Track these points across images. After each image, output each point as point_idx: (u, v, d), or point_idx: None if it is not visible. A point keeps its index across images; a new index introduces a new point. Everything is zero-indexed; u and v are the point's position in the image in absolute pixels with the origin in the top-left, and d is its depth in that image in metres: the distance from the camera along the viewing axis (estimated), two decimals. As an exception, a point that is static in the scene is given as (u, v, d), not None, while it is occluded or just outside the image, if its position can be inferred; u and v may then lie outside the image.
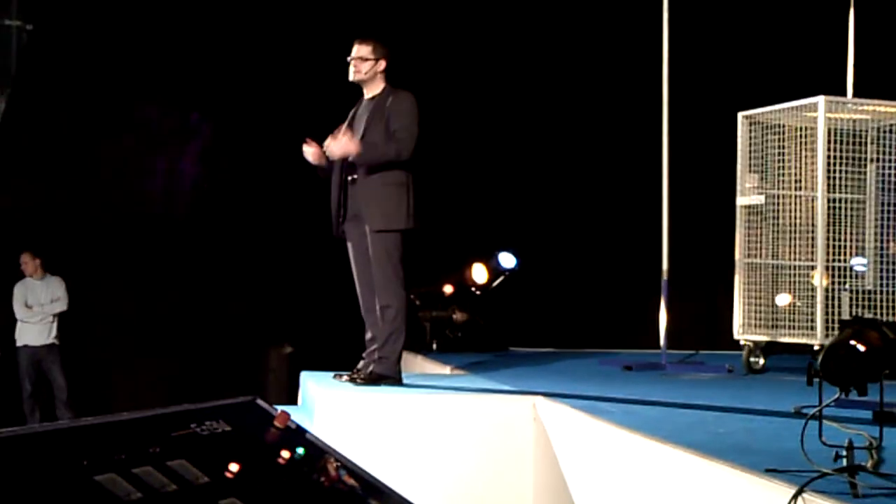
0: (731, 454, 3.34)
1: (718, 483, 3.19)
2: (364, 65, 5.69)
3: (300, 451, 2.61)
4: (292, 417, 2.89)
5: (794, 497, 2.72)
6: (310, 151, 5.74)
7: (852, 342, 2.76)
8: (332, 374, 5.84)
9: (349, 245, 5.80)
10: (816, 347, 6.36)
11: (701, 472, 3.31)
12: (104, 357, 10.47)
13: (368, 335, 5.75)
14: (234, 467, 2.33)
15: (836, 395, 2.82)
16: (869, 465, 3.01)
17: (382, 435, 4.88)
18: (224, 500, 2.23)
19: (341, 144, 5.57)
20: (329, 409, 4.98)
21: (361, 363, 5.72)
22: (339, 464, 2.66)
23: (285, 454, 2.57)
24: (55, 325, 10.30)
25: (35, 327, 10.22)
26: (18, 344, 10.24)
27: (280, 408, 2.75)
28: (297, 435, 2.70)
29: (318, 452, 2.67)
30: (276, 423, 2.68)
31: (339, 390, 5.29)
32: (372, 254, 5.61)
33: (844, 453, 2.83)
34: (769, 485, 2.91)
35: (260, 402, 2.86)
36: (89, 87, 10.56)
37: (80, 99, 10.55)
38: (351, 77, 5.75)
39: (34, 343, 10.21)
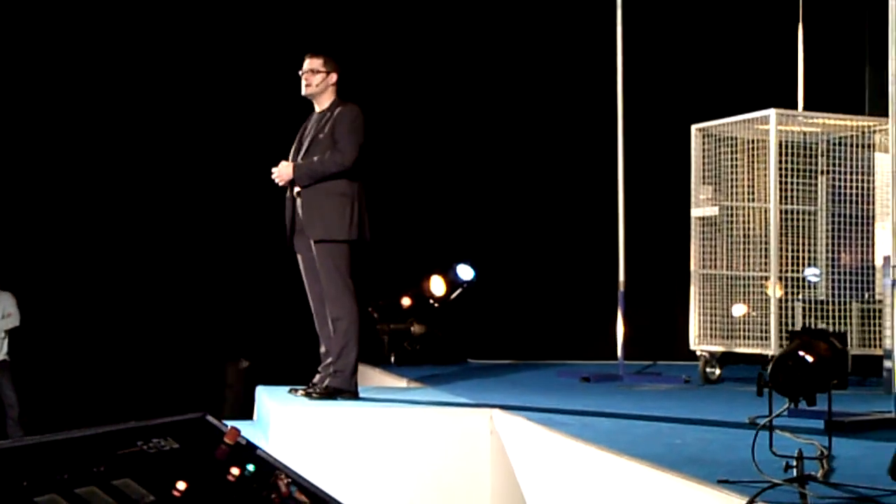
0: (685, 466, 3.35)
1: (672, 494, 3.19)
2: (315, 77, 5.73)
3: (250, 467, 2.58)
4: (246, 433, 2.86)
5: (746, 508, 2.73)
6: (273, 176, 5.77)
7: (801, 353, 2.78)
8: (287, 388, 5.80)
9: (299, 258, 5.80)
10: (770, 357, 6.41)
11: (655, 483, 3.31)
12: (57, 374, 10.32)
13: (323, 348, 5.73)
14: (181, 485, 2.30)
15: (786, 406, 2.84)
16: (819, 474, 3.04)
17: (338, 449, 4.85)
18: (170, 519, 2.21)
19: (280, 172, 5.67)
20: (284, 423, 4.95)
21: (317, 377, 5.69)
22: (289, 480, 2.64)
23: (235, 471, 2.53)
24: (6, 341, 10.15)
25: (-16, 343, 10.08)
26: (-31, 360, 10.09)
27: (233, 423, 2.72)
28: (248, 451, 2.67)
29: (269, 468, 2.65)
30: (226, 440, 2.65)
31: (294, 405, 5.25)
32: (319, 266, 5.60)
33: (795, 463, 2.85)
34: (721, 496, 2.92)
35: (210, 418, 2.82)
36: (33, 91, 10.44)
37: (27, 109, 10.43)
38: (303, 91, 5.78)
39: None
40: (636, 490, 3.42)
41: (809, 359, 2.79)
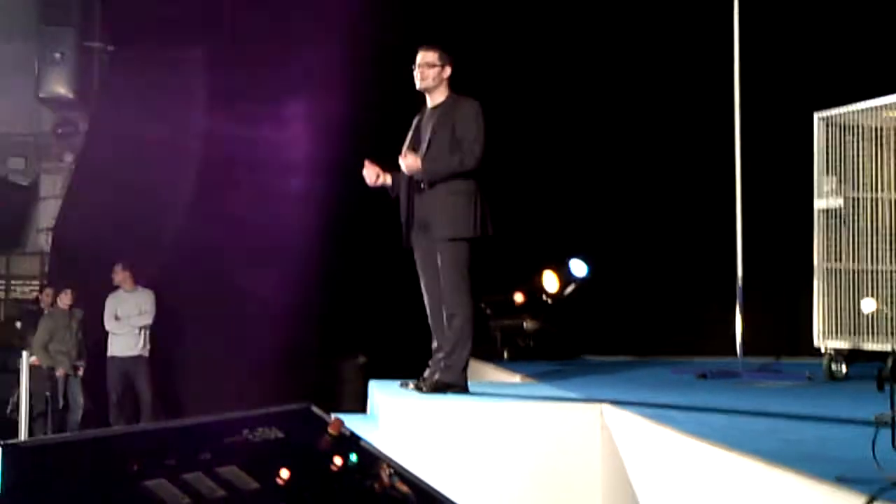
0: (801, 463, 3.23)
1: (788, 492, 3.08)
2: (430, 71, 5.68)
3: (353, 457, 2.59)
4: (358, 426, 2.87)
5: (865, 506, 2.61)
6: (368, 175, 5.76)
7: (924, 345, 2.64)
8: (398, 382, 5.83)
9: (417, 254, 5.79)
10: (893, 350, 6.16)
11: (770, 480, 3.21)
12: (191, 370, 10.65)
13: (435, 344, 5.72)
14: (284, 473, 2.33)
15: (908, 400, 2.70)
16: (946, 474, 2.88)
17: (447, 443, 4.84)
18: (273, 506, 2.23)
19: (407, 164, 5.62)
20: (394, 417, 4.97)
21: (427, 371, 5.70)
22: (392, 471, 2.63)
23: (338, 461, 2.55)
24: (143, 337, 10.53)
25: (123, 339, 10.48)
26: (108, 354, 10.51)
27: (345, 416, 2.73)
28: (351, 442, 2.68)
29: (372, 459, 2.65)
30: (330, 430, 2.67)
31: (404, 398, 5.27)
32: (440, 262, 5.59)
33: (918, 461, 2.71)
34: (838, 494, 2.80)
35: (314, 409, 2.85)
36: (169, 105, 10.75)
37: (160, 117, 10.74)
38: (417, 85, 5.74)
39: (122, 354, 10.46)
40: (749, 487, 3.31)
41: (934, 351, 2.65)
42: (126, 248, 10.52)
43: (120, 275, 10.51)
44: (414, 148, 5.74)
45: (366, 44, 10.39)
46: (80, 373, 10.50)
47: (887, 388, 2.90)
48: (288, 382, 9.91)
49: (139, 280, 10.56)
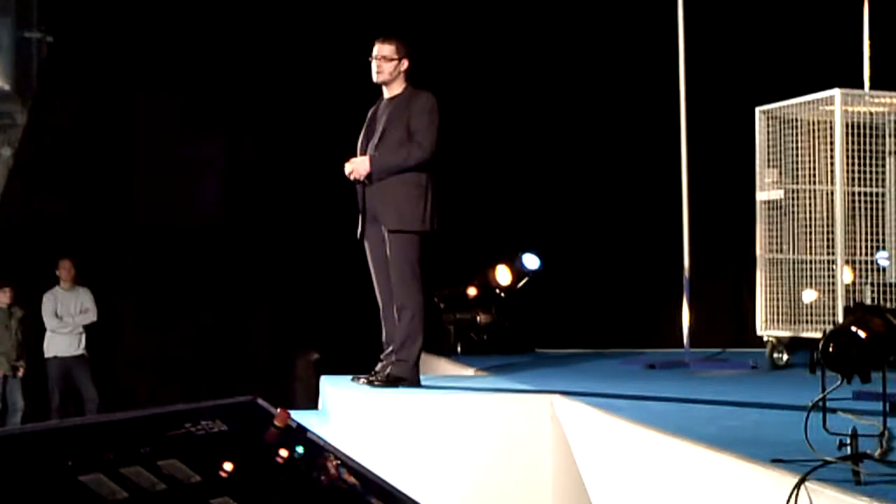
0: (739, 446, 3.32)
1: (726, 474, 3.17)
2: (387, 65, 5.68)
3: (299, 449, 2.61)
4: (309, 422, 2.90)
5: (797, 486, 2.70)
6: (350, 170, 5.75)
7: (853, 328, 2.74)
8: (349, 377, 5.86)
9: (367, 247, 5.82)
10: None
11: (710, 464, 3.30)
12: (132, 368, 10.55)
13: (385, 337, 5.76)
14: (228, 466, 2.32)
15: (838, 383, 2.79)
16: (877, 453, 2.98)
17: (398, 436, 4.88)
18: (216, 499, 2.22)
19: (356, 167, 5.65)
20: (344, 412, 5.00)
21: (379, 365, 5.74)
22: (339, 462, 2.66)
23: (283, 453, 2.56)
24: (84, 336, 10.37)
25: (65, 338, 10.29)
26: (47, 355, 10.32)
27: (296, 412, 2.75)
28: (298, 434, 2.70)
29: (319, 451, 2.67)
30: (276, 423, 2.68)
31: (354, 392, 5.30)
32: (389, 255, 5.62)
33: (849, 441, 2.80)
34: (773, 474, 2.89)
35: (260, 401, 2.86)
36: (111, 96, 10.66)
37: (102, 109, 10.65)
38: (374, 78, 5.73)
39: (64, 354, 10.29)
40: (691, 471, 3.40)
41: (862, 334, 2.74)
42: (66, 245, 10.38)
43: (66, 270, 10.32)
44: (368, 139, 5.76)
45: (319, 33, 10.41)
46: (21, 374, 10.28)
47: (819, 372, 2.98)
48: (239, 379, 9.89)
49: (76, 278, 10.41)
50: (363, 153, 5.72)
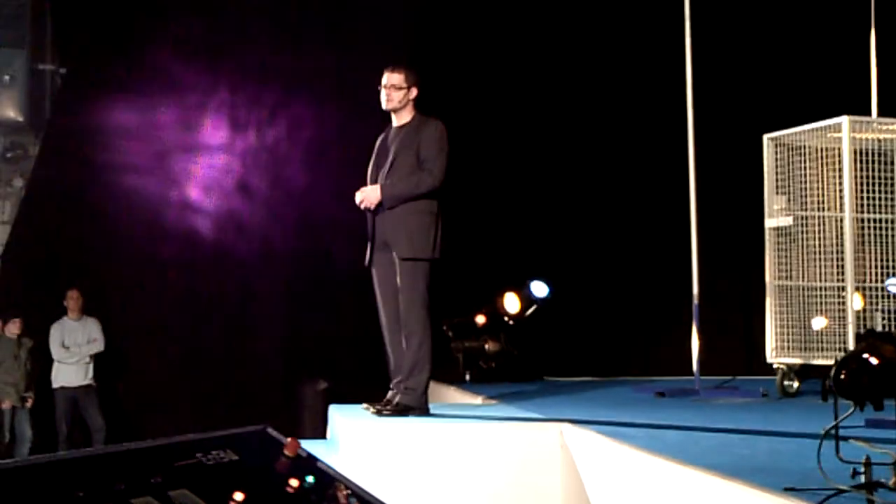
0: (752, 475, 3.30)
1: (738, 503, 3.15)
2: (396, 93, 5.71)
3: (310, 479, 2.60)
4: (318, 451, 2.89)
5: (811, 515, 2.68)
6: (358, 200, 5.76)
7: (864, 355, 2.72)
8: (358, 405, 5.84)
9: (375, 274, 5.81)
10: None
11: (722, 493, 3.27)
12: (140, 398, 10.53)
13: (392, 365, 5.75)
14: (238, 496, 2.32)
15: (851, 411, 2.78)
16: (892, 482, 2.95)
17: (408, 465, 4.86)
18: (227, 528, 2.23)
19: (367, 196, 5.67)
20: (354, 441, 4.98)
21: (389, 394, 5.72)
22: (349, 491, 2.65)
23: (294, 482, 2.55)
24: (92, 366, 10.36)
25: (72, 368, 10.28)
26: (55, 385, 10.30)
27: (306, 441, 2.74)
28: (308, 463, 2.69)
29: (329, 480, 2.66)
30: (286, 452, 2.67)
31: (363, 421, 5.28)
32: (399, 282, 5.62)
33: (863, 470, 2.78)
34: (787, 503, 2.87)
35: (270, 430, 2.86)
36: (123, 128, 10.70)
37: (114, 141, 10.69)
38: (384, 105, 5.76)
39: (71, 384, 10.27)
40: (702, 500, 3.38)
41: (874, 361, 2.72)
42: (74, 275, 10.40)
43: (74, 301, 10.33)
44: (378, 167, 5.78)
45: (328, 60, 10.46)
46: (29, 404, 10.26)
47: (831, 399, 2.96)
48: (247, 409, 9.87)
49: (84, 308, 10.41)
50: (373, 181, 5.74)
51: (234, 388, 10.40)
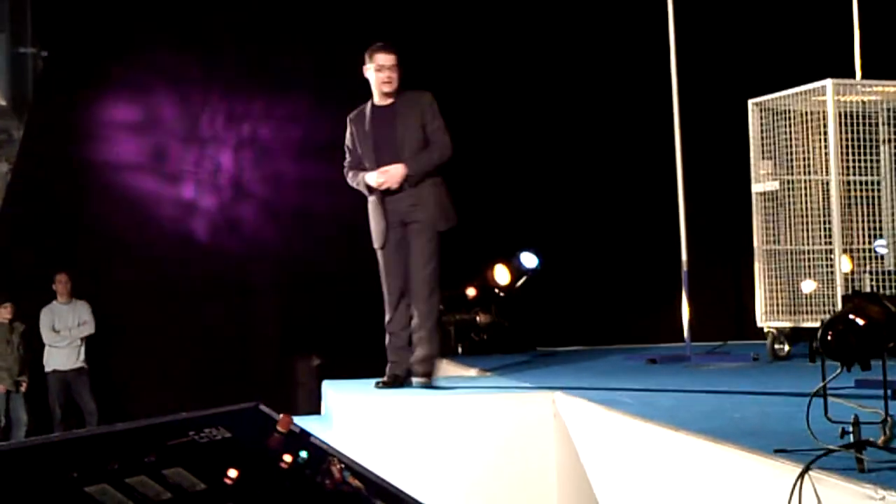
0: (743, 438, 3.33)
1: (731, 467, 3.18)
2: (396, 74, 5.69)
3: (303, 454, 2.62)
4: (312, 427, 2.90)
5: (801, 475, 2.71)
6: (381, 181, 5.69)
7: (850, 316, 2.74)
8: (351, 381, 5.86)
9: (387, 254, 5.76)
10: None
11: (714, 457, 3.30)
12: (133, 379, 10.54)
13: (399, 342, 5.74)
14: (232, 473, 2.34)
15: (838, 371, 2.80)
16: (880, 440, 2.98)
17: (401, 438, 4.88)
18: (222, 505, 2.25)
19: (392, 175, 5.62)
20: (347, 415, 5.00)
21: (393, 368, 5.72)
22: (343, 465, 2.67)
23: (287, 458, 2.57)
24: (83, 348, 10.37)
25: (63, 351, 10.30)
26: (47, 369, 10.32)
27: (299, 417, 2.76)
28: (301, 439, 2.71)
29: (323, 455, 2.68)
30: (279, 428, 2.69)
31: (356, 396, 5.30)
32: (421, 255, 5.66)
33: (851, 429, 2.81)
34: (777, 465, 2.90)
35: (263, 407, 2.88)
36: (106, 110, 10.66)
37: (98, 123, 10.65)
38: (390, 87, 5.68)
39: (63, 367, 10.29)
40: (695, 464, 3.41)
41: (860, 322, 2.74)
42: (63, 259, 10.38)
43: (63, 284, 10.33)
44: (379, 148, 5.71)
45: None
46: (24, 388, 10.27)
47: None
48: (241, 386, 9.89)
49: (74, 291, 10.41)
50: (381, 163, 5.66)
51: (227, 366, 10.42)
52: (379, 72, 5.67)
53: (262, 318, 10.66)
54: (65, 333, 10.30)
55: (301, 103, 10.63)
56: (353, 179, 5.81)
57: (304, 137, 10.60)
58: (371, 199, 5.75)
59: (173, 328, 10.48)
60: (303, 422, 2.88)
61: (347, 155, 5.87)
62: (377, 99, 5.76)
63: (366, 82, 5.79)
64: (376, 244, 5.77)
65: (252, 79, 10.75)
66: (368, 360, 7.18)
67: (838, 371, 2.82)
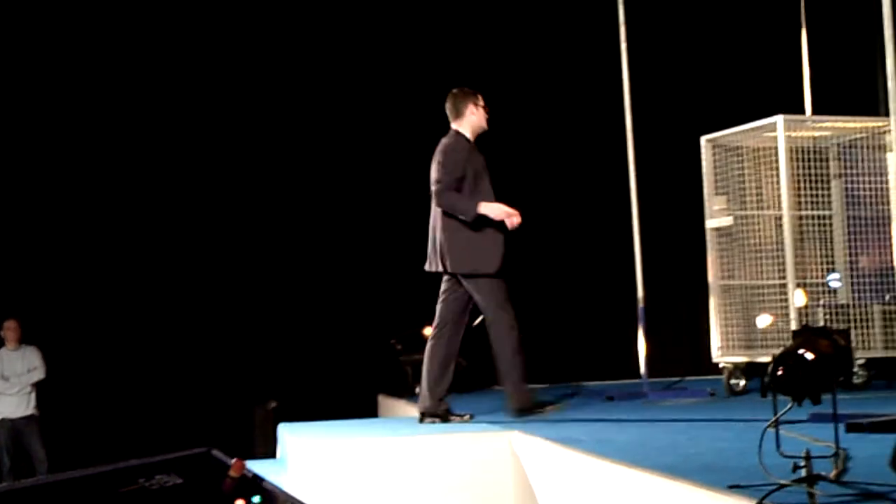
0: (698, 474, 3.33)
1: (685, 503, 3.18)
2: None
3: (256, 499, 2.59)
4: (267, 470, 2.87)
5: (754, 511, 2.71)
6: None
7: (800, 351, 2.76)
8: (307, 423, 5.82)
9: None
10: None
11: (669, 493, 3.29)
12: (84, 425, 10.37)
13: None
14: (183, 519, 2.32)
15: (788, 406, 2.82)
16: (832, 474, 3.00)
17: (357, 481, 4.84)
18: (173, 552, 2.22)
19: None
20: (302, 459, 4.95)
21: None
22: (296, 509, 2.65)
23: (240, 503, 2.55)
24: (34, 395, 10.20)
25: (13, 399, 10.11)
26: (-4, 418, 10.12)
27: (247, 461, 2.73)
28: (254, 483, 2.68)
29: (275, 499, 2.65)
30: (231, 473, 2.67)
31: (312, 439, 5.25)
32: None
33: (803, 464, 2.82)
34: (731, 500, 2.90)
35: (215, 452, 2.84)
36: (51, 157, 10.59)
37: (43, 168, 10.57)
38: (485, 125, 6.14)
39: (12, 415, 10.10)
40: (651, 501, 3.40)
41: (810, 356, 2.77)
42: (11, 305, 10.23)
43: (12, 331, 10.16)
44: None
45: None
46: None
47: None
48: (197, 431, 9.77)
49: (23, 338, 10.24)
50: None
51: (182, 411, 10.29)
52: (483, 110, 6.05)
53: (216, 361, 10.55)
54: (14, 380, 10.11)
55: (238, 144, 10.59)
56: (459, 201, 5.94)
57: (241, 187, 10.58)
58: (490, 229, 5.99)
59: (125, 373, 10.35)
60: (257, 466, 2.85)
61: (448, 177, 5.95)
62: (471, 135, 6.07)
63: None
64: (494, 269, 5.98)
65: (203, 102, 10.67)
66: (325, 402, 7.16)
67: (789, 406, 2.83)
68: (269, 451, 8.62)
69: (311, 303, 10.13)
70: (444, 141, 6.02)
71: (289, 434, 5.71)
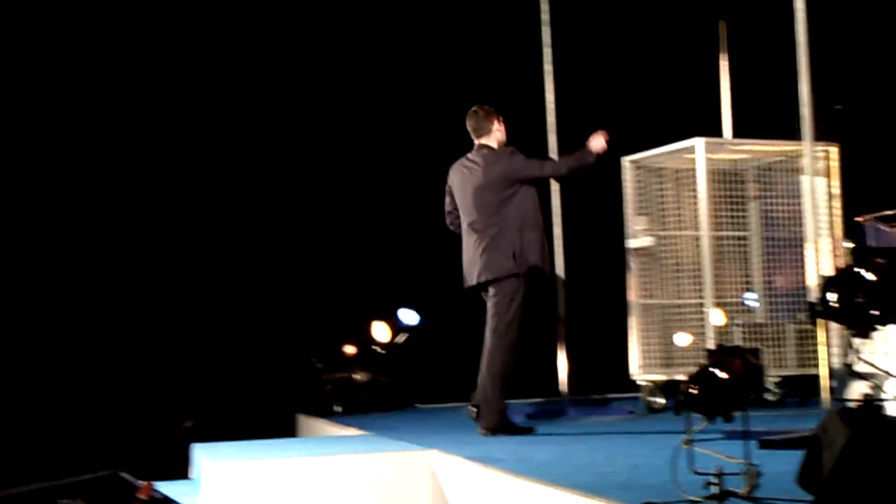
0: (613, 492, 3.33)
1: (600, 522, 3.17)
2: None
3: (163, 520, 2.53)
4: (181, 491, 2.81)
5: (667, 529, 2.71)
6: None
7: (713, 370, 2.78)
8: (223, 443, 5.71)
9: None
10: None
11: (584, 512, 3.29)
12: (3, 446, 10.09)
13: None
14: (84, 542, 2.25)
15: (702, 424, 2.83)
16: (743, 491, 3.02)
17: (275, 502, 4.75)
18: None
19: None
20: (216, 479, 4.85)
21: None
22: (204, 531, 2.59)
23: (146, 524, 2.49)
24: None
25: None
26: None
27: (159, 482, 2.67)
28: (161, 504, 2.62)
29: (183, 520, 2.59)
30: (140, 495, 2.61)
31: (226, 461, 5.15)
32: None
33: (715, 480, 2.84)
34: (645, 519, 2.90)
35: (123, 474, 2.78)
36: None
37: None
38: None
39: None
40: (566, 520, 3.39)
41: (722, 375, 2.78)
42: None
43: None
44: None
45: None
46: None
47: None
48: (107, 451, 9.55)
49: None
50: None
51: (92, 430, 10.05)
52: (504, 125, 6.32)
53: (129, 378, 10.33)
54: None
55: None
56: (571, 160, 6.32)
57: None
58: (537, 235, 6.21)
59: (29, 389, 10.08)
60: (169, 488, 2.78)
61: (534, 161, 6.33)
62: (496, 146, 6.27)
63: None
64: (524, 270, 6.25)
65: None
66: (242, 421, 7.04)
67: (702, 424, 2.85)
68: (182, 473, 8.47)
69: (228, 318, 9.97)
70: (483, 153, 6.26)
71: (204, 454, 5.60)
